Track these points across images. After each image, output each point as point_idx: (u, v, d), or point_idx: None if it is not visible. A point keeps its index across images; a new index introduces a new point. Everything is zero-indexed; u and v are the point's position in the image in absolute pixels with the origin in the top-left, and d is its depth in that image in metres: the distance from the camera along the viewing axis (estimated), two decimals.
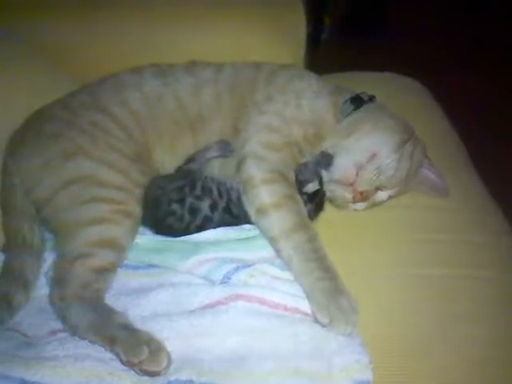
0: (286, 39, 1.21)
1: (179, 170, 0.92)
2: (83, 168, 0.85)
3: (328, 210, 0.93)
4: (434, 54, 2.50)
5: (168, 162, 0.94)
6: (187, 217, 0.86)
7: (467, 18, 2.79)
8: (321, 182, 0.91)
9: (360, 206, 0.91)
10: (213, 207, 0.86)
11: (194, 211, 0.86)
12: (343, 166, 0.89)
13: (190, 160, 0.92)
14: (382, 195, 0.91)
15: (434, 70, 2.03)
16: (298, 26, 1.23)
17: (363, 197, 0.89)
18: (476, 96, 2.18)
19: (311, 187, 0.89)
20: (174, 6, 1.17)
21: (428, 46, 2.56)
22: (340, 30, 2.71)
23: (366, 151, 0.89)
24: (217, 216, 0.87)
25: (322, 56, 2.08)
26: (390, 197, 0.92)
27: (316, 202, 0.89)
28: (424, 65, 2.10)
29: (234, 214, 0.88)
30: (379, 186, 0.89)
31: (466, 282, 0.83)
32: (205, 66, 1.01)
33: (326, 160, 0.91)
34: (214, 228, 0.86)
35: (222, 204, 0.87)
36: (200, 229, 0.86)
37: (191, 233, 0.86)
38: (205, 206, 0.86)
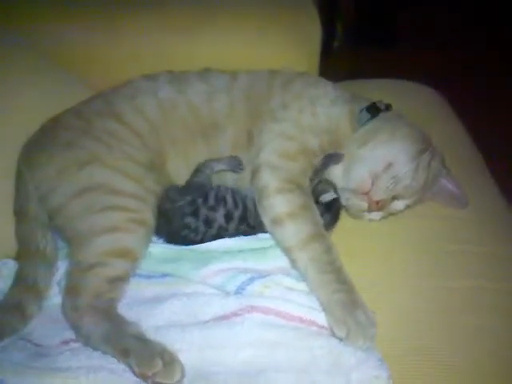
0: (301, 47, 1.20)
1: (189, 183, 0.90)
2: (97, 176, 0.85)
3: (344, 221, 0.91)
4: (446, 60, 2.48)
5: (182, 170, 0.93)
6: (202, 228, 0.85)
7: (480, 23, 2.77)
8: (335, 190, 0.90)
9: (376, 215, 0.90)
10: (227, 217, 0.86)
11: (208, 222, 0.85)
12: (359, 174, 0.88)
13: (198, 170, 0.91)
14: (398, 205, 0.90)
15: (446, 77, 2.01)
16: (313, 34, 1.23)
17: (379, 206, 0.87)
18: (490, 102, 2.15)
19: (328, 196, 0.87)
20: (190, 16, 1.17)
21: (440, 52, 2.54)
22: (352, 38, 2.70)
23: (382, 160, 0.87)
24: (232, 226, 0.86)
25: (335, 64, 2.08)
26: (407, 206, 0.91)
27: (333, 211, 0.88)
28: (436, 72, 2.08)
29: (250, 224, 0.87)
30: (396, 195, 0.88)
31: (486, 294, 0.82)
32: (219, 73, 1.00)
33: (334, 159, 0.91)
34: (229, 238, 0.86)
35: (237, 213, 0.86)
36: (215, 238, 0.85)
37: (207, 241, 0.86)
38: (219, 216, 0.85)
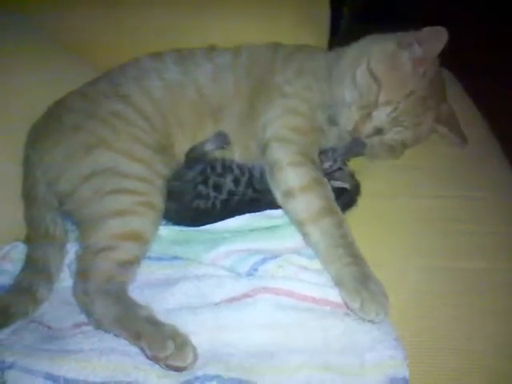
0: (310, 28, 1.19)
1: (189, 159, 0.91)
2: (105, 160, 0.84)
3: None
4: (458, 40, 2.43)
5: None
6: (212, 193, 0.85)
7: (488, 8, 2.70)
8: (352, 175, 0.90)
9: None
10: (236, 182, 0.86)
11: (218, 187, 0.86)
12: None
13: (188, 156, 0.91)
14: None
15: (458, 57, 1.97)
16: (322, 14, 1.22)
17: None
18: (503, 82, 2.10)
19: (338, 184, 0.87)
20: None
21: (451, 33, 2.49)
22: (358, 19, 2.66)
23: None
24: (241, 190, 0.86)
25: (341, 45, 2.04)
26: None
27: (341, 201, 0.86)
28: (446, 52, 2.04)
29: (256, 188, 0.87)
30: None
31: (502, 274, 0.80)
32: (223, 50, 1.00)
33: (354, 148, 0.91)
34: (239, 204, 0.86)
35: (244, 179, 0.87)
36: (225, 204, 0.85)
37: (217, 214, 0.85)
38: (228, 181, 0.86)
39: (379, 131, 0.88)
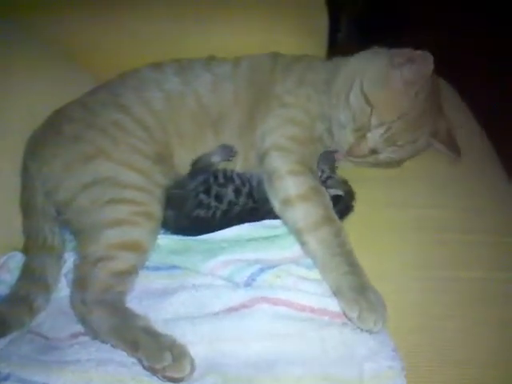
0: (308, 38, 1.20)
1: (194, 169, 0.92)
2: (104, 170, 0.84)
3: (352, 214, 0.90)
4: (456, 51, 2.44)
5: (190, 162, 0.92)
6: (213, 203, 0.86)
7: (493, 13, 2.72)
8: (345, 182, 0.90)
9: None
10: (237, 192, 0.87)
11: (219, 197, 0.86)
12: None
13: (194, 166, 0.92)
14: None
15: (456, 68, 1.98)
16: (320, 25, 1.23)
17: None
18: (502, 93, 2.12)
19: (332, 191, 0.87)
20: (197, 5, 1.16)
21: (449, 44, 2.51)
22: (356, 29, 2.68)
23: None
24: (242, 201, 0.87)
25: (339, 54, 2.05)
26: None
27: (340, 207, 0.87)
28: (444, 62, 2.05)
29: (255, 198, 0.88)
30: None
31: (499, 285, 0.81)
32: (223, 61, 1.00)
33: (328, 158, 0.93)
34: (239, 214, 0.86)
35: (245, 190, 0.88)
36: (226, 214, 0.86)
37: (216, 224, 0.85)
38: (229, 191, 0.87)
39: (374, 151, 0.90)
